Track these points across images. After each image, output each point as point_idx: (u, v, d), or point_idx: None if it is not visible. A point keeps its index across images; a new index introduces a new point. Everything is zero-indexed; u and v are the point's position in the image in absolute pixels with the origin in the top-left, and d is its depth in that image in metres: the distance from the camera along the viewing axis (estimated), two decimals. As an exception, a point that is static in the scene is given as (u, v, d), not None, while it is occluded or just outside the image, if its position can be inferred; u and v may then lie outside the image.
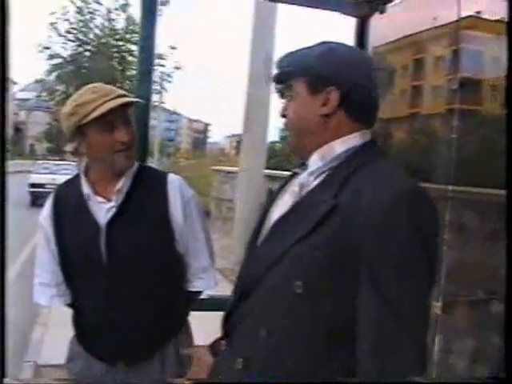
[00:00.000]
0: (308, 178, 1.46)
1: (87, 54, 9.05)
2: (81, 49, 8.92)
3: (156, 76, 9.82)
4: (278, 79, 1.51)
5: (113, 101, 1.90)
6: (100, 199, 2.02)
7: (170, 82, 9.08)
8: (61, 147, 52.39)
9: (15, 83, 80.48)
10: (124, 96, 1.96)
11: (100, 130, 1.94)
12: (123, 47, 9.42)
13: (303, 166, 1.51)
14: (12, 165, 45.03)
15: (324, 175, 1.42)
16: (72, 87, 8.99)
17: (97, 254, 1.98)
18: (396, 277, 1.25)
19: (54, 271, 2.10)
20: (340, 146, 1.43)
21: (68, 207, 2.08)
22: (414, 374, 1.21)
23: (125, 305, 1.99)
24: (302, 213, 1.37)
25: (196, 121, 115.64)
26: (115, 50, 9.28)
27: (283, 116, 1.52)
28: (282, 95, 1.52)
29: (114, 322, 2.00)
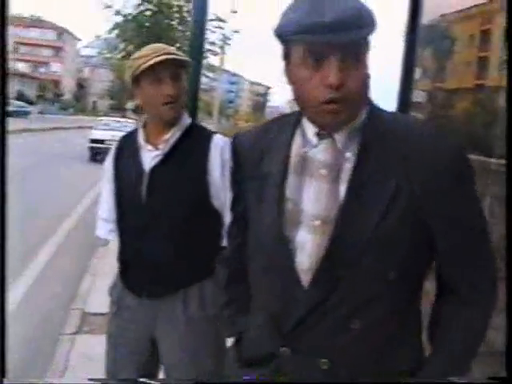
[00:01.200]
0: (339, 156, 1.29)
1: (148, 13, 9.15)
2: (142, 7, 9.03)
3: (217, 39, 9.90)
4: (354, 42, 1.20)
5: (161, 56, 2.05)
6: (150, 147, 2.18)
7: (229, 44, 9.16)
8: (122, 105, 53.18)
9: (79, 40, 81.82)
10: (174, 54, 2.10)
11: (150, 82, 2.09)
12: (184, 8, 9.49)
13: (296, 127, 1.37)
14: (74, 120, 46.08)
15: (356, 147, 1.28)
16: (133, 45, 9.11)
17: (138, 195, 2.15)
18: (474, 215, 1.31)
19: (111, 209, 2.28)
20: (362, 114, 1.31)
21: (125, 154, 2.27)
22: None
23: (156, 244, 2.15)
24: (364, 198, 1.26)
25: (257, 83, 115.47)
26: (176, 10, 9.36)
27: (339, 86, 1.20)
28: (323, 58, 1.20)
29: (144, 258, 2.17)
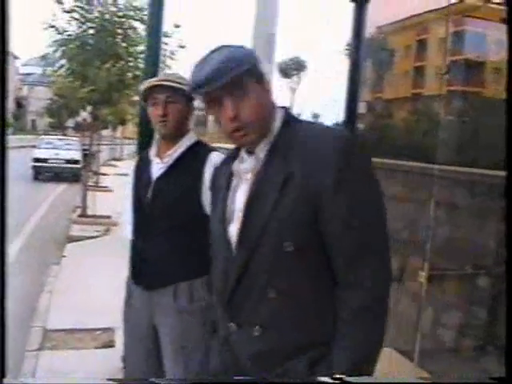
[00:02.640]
0: (256, 163, 1.62)
1: (91, 31, 9.20)
2: (85, 26, 9.07)
3: (162, 54, 9.93)
4: (226, 84, 1.53)
5: (157, 82, 2.47)
6: (157, 160, 2.56)
7: (173, 59, 9.23)
8: (62, 122, 52.39)
9: (17, 58, 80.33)
10: (171, 81, 2.46)
11: (150, 104, 2.50)
12: (126, 24, 9.58)
13: (232, 157, 1.72)
14: (14, 140, 45.19)
15: (267, 153, 1.60)
16: (76, 63, 9.14)
17: (145, 201, 2.53)
18: (356, 210, 1.51)
19: (129, 211, 2.67)
20: (276, 127, 1.62)
21: (142, 165, 2.65)
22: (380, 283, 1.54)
23: (154, 242, 2.51)
24: (265, 189, 1.56)
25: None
26: (118, 26, 9.44)
27: (233, 118, 1.55)
28: (218, 101, 1.56)
29: (143, 254, 2.54)
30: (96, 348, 4.63)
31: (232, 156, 1.75)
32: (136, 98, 11.79)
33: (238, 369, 1.65)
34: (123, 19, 9.96)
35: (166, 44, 9.99)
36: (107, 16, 9.79)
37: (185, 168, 2.51)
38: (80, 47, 9.65)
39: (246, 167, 1.65)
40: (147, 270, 2.54)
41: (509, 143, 1.68)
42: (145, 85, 2.51)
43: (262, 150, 1.61)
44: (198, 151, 2.55)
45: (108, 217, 10.59)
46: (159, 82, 2.47)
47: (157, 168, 2.54)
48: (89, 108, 11.66)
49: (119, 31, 9.96)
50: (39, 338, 4.68)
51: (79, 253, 7.99)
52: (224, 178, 1.73)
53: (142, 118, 3.72)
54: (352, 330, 1.52)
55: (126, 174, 14.73)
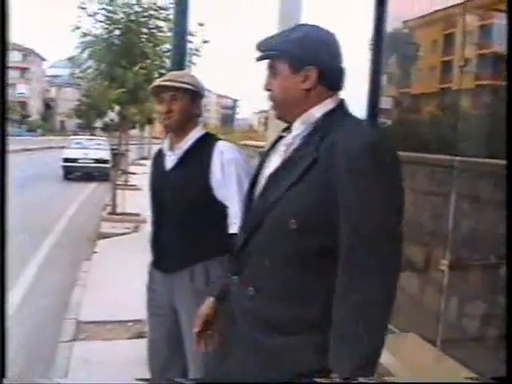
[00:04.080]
0: (293, 140, 1.75)
1: (117, 32, 9.37)
2: (111, 27, 9.25)
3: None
4: (261, 59, 1.78)
5: (162, 82, 2.71)
6: (170, 153, 2.77)
7: (198, 55, 9.34)
8: (90, 123, 52.93)
9: (44, 59, 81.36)
10: (169, 81, 2.70)
11: (157, 101, 2.74)
12: (151, 24, 9.74)
13: (288, 129, 1.82)
14: (43, 141, 45.86)
15: (306, 135, 1.72)
16: (104, 64, 9.32)
17: (160, 190, 2.76)
18: (364, 209, 1.57)
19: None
20: (317, 112, 1.74)
21: (158, 158, 2.86)
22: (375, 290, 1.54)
23: (170, 226, 2.72)
24: (290, 167, 1.69)
25: (225, 96, 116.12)
26: (144, 26, 9.61)
27: (268, 90, 1.79)
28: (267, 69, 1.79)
29: (161, 239, 2.75)
30: (128, 338, 4.77)
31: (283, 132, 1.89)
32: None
33: (231, 320, 1.83)
34: (148, 19, 10.11)
35: (190, 42, 10.12)
36: (132, 17, 9.95)
37: (194, 158, 2.71)
38: (107, 48, 9.82)
39: (285, 141, 1.81)
40: (165, 254, 2.74)
41: (509, 142, 1.75)
42: (152, 85, 2.77)
43: (296, 128, 1.76)
44: (206, 142, 2.75)
45: (137, 214, 10.67)
46: (163, 83, 2.71)
47: (169, 160, 2.75)
48: (116, 108, 11.84)
49: (145, 31, 10.12)
50: (72, 330, 4.83)
51: (110, 249, 8.17)
52: (269, 153, 1.88)
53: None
54: (342, 321, 1.57)
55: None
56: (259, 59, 1.79)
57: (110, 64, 9.85)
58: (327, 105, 1.75)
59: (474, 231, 4.86)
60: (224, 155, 2.69)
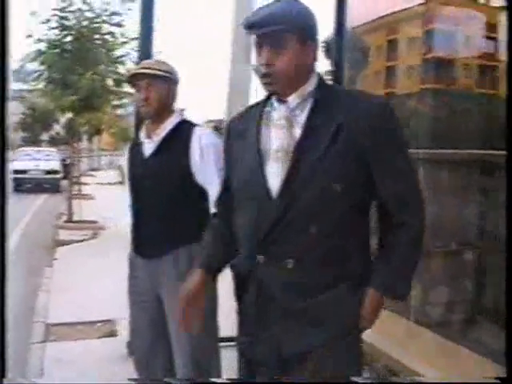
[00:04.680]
0: (292, 113, 1.78)
1: (70, 38, 9.30)
2: (63, 33, 9.19)
3: (134, 57, 10.05)
4: (266, 33, 1.72)
5: (138, 70, 2.76)
6: (147, 140, 2.79)
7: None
8: (36, 136, 52.01)
9: (-13, 73, 79.50)
10: (146, 68, 2.73)
11: (135, 90, 2.77)
12: (104, 30, 9.72)
13: (263, 104, 1.86)
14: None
15: (308, 106, 1.77)
16: (57, 70, 9.22)
17: (140, 177, 2.79)
18: (400, 157, 1.77)
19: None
20: (310, 86, 1.79)
21: (134, 147, 2.90)
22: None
23: (152, 213, 2.74)
24: (314, 136, 1.73)
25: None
26: (96, 32, 9.56)
27: (267, 65, 1.73)
28: (261, 46, 1.74)
29: (144, 227, 2.77)
30: (98, 338, 4.76)
31: (256, 107, 1.91)
32: (117, 102, 11.93)
33: (266, 301, 1.79)
34: (100, 25, 10.08)
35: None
36: (84, 23, 9.90)
37: (173, 144, 2.74)
38: (59, 55, 9.74)
39: (280, 115, 1.81)
40: (149, 240, 2.76)
41: (509, 137, 1.86)
42: (129, 73, 2.84)
43: (293, 102, 1.78)
44: (183, 128, 2.78)
45: (94, 222, 10.83)
46: (140, 71, 2.75)
47: (148, 147, 2.77)
48: (62, 121, 11.76)
49: (97, 37, 10.08)
50: (42, 332, 4.79)
51: (70, 255, 8.12)
52: (251, 124, 1.87)
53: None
54: (400, 255, 1.78)
55: (105, 183, 14.94)
56: (259, 34, 1.74)
57: (62, 71, 9.76)
58: (315, 77, 1.82)
59: (436, 218, 5.02)
60: (202, 140, 2.74)
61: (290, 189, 1.72)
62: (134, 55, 10.55)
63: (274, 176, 1.76)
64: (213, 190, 2.68)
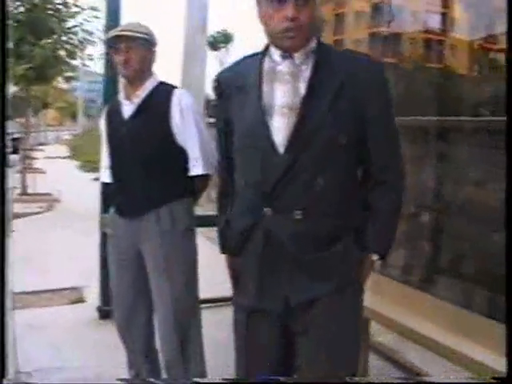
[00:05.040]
0: (298, 68, 1.83)
1: (22, 9, 9.13)
2: (18, 2, 9.00)
3: (95, 28, 9.96)
4: None
5: (115, 33, 2.76)
6: (127, 102, 2.84)
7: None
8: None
9: None
10: (127, 31, 2.75)
11: (114, 52, 2.79)
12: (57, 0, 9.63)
13: (264, 55, 1.88)
14: None
15: (311, 62, 1.84)
16: (11, 41, 9.06)
17: (121, 138, 2.83)
18: (391, 117, 1.90)
19: (106, 156, 2.94)
20: (313, 42, 1.87)
21: (112, 111, 2.94)
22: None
23: (133, 173, 2.79)
24: (319, 92, 1.79)
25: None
26: (49, 2, 9.40)
27: (293, 19, 1.74)
28: (283, 1, 1.74)
29: (125, 186, 2.84)
30: (67, 304, 4.84)
31: (253, 60, 1.93)
32: (70, 73, 11.78)
33: (272, 254, 1.85)
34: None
35: (97, 18, 10.05)
36: (37, -7, 9.75)
37: (153, 105, 2.80)
38: (11, 25, 9.55)
39: (285, 69, 1.84)
40: (131, 200, 2.82)
41: (508, 126, 1.95)
42: (108, 35, 2.84)
43: (299, 57, 1.83)
44: (163, 89, 2.84)
45: (49, 194, 10.85)
46: (119, 33, 2.76)
47: (127, 109, 2.82)
48: (11, 92, 11.52)
49: (50, 7, 9.92)
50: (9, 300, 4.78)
51: (27, 227, 8.04)
52: (251, 78, 1.88)
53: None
54: (386, 218, 1.91)
55: (53, 157, 14.80)
56: None
57: (16, 41, 9.58)
58: (315, 36, 1.90)
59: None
60: (182, 101, 2.80)
61: (296, 143, 1.78)
62: (87, 25, 10.47)
63: (280, 130, 1.80)
64: (193, 149, 2.79)
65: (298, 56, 1.84)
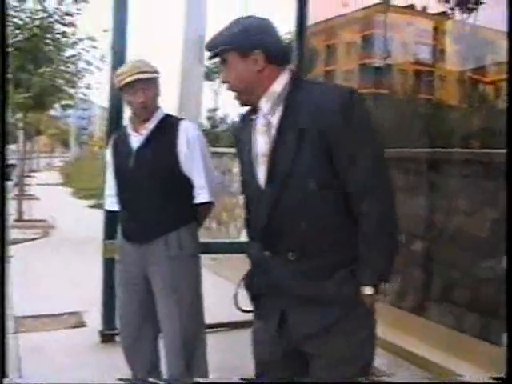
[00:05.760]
0: (267, 118, 1.99)
1: (21, 37, 9.33)
2: (17, 31, 9.21)
3: (93, 57, 10.20)
4: (213, 57, 2.00)
5: (131, 76, 2.86)
6: (135, 134, 3.00)
7: (104, 62, 9.56)
8: None
9: None
10: (142, 73, 2.87)
11: (128, 93, 2.92)
12: (56, 29, 9.81)
13: (253, 112, 2.05)
14: None
15: (279, 110, 1.96)
16: (10, 69, 9.24)
17: (128, 169, 2.96)
18: (361, 146, 1.89)
19: (112, 185, 3.09)
20: (278, 87, 1.98)
21: (119, 142, 3.09)
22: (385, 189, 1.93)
23: (141, 202, 2.93)
24: (284, 139, 1.93)
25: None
26: (49, 32, 9.62)
27: (224, 82, 2.02)
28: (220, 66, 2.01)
29: (134, 214, 2.98)
30: (66, 328, 4.93)
31: (247, 115, 2.13)
32: (68, 101, 11.95)
33: (275, 290, 2.01)
34: (53, 24, 10.13)
35: (94, 48, 10.26)
36: (37, 22, 9.93)
37: (160, 136, 2.95)
38: (11, 53, 9.73)
39: (260, 121, 2.02)
40: (140, 227, 2.96)
41: (509, 138, 1.98)
42: (123, 79, 2.88)
43: (265, 106, 1.99)
44: (169, 121, 3.01)
45: (44, 220, 10.95)
46: (138, 76, 2.86)
47: (135, 140, 2.97)
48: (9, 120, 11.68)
49: (49, 36, 10.12)
50: (12, 323, 4.86)
51: (25, 253, 8.12)
52: (246, 133, 2.10)
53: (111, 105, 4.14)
54: (368, 249, 1.91)
55: (46, 184, 14.81)
56: (212, 57, 2.02)
57: (14, 69, 9.75)
58: (283, 78, 2.00)
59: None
60: (189, 132, 2.97)
61: (272, 189, 1.96)
62: (85, 55, 10.68)
63: (262, 176, 2.00)
64: (198, 178, 2.96)
65: (263, 105, 2.00)
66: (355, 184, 1.90)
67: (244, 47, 1.95)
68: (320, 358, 2.01)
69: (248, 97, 2.02)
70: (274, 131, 1.97)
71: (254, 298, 2.14)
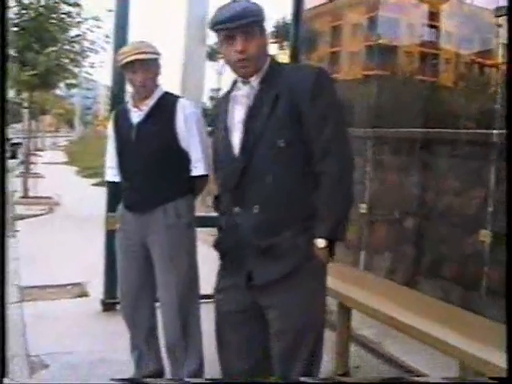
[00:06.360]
0: (251, 90, 2.24)
1: (27, 16, 9.47)
2: (23, 11, 9.35)
3: (97, 37, 10.34)
4: (239, 26, 2.14)
5: (131, 56, 3.01)
6: (135, 110, 3.17)
7: (108, 42, 9.69)
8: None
9: None
10: (141, 53, 3.02)
11: (129, 72, 3.08)
12: (61, 9, 9.93)
13: (234, 85, 2.32)
14: None
15: (261, 83, 2.23)
16: (15, 48, 9.37)
17: (130, 142, 3.15)
18: (326, 114, 2.17)
19: (113, 157, 3.27)
20: (266, 66, 2.26)
21: (120, 117, 3.27)
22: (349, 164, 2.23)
23: (142, 174, 3.12)
24: (260, 106, 2.19)
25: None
26: (54, 12, 9.75)
27: (242, 52, 2.17)
28: (233, 37, 2.16)
29: (134, 184, 3.16)
30: (71, 298, 5.14)
31: (228, 92, 2.38)
32: (72, 81, 12.10)
33: (242, 243, 2.25)
34: (58, 4, 10.24)
35: (99, 28, 10.37)
36: (43, 2, 10.05)
37: (159, 112, 3.12)
38: (17, 33, 9.86)
39: (243, 93, 2.28)
40: (140, 197, 3.14)
41: (508, 130, 2.15)
42: (124, 59, 3.03)
43: (255, 81, 2.24)
44: (168, 99, 3.17)
45: (49, 197, 11.14)
46: (137, 57, 3.01)
47: (136, 115, 3.13)
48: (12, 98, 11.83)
49: (54, 16, 10.24)
50: (17, 294, 5.05)
51: (31, 228, 8.34)
52: (224, 105, 2.35)
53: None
54: (324, 205, 2.17)
55: (51, 163, 14.89)
56: (238, 25, 2.14)
57: (21, 48, 9.89)
58: (268, 59, 2.29)
59: (380, 190, 5.56)
60: (186, 109, 3.14)
61: (245, 150, 2.21)
62: (90, 34, 10.81)
63: (236, 140, 2.25)
64: (195, 152, 3.14)
65: (253, 80, 2.25)
66: (319, 145, 2.15)
67: (263, 24, 2.24)
68: (275, 309, 2.26)
69: (255, 68, 2.22)
70: (251, 101, 2.23)
71: (223, 257, 2.39)
